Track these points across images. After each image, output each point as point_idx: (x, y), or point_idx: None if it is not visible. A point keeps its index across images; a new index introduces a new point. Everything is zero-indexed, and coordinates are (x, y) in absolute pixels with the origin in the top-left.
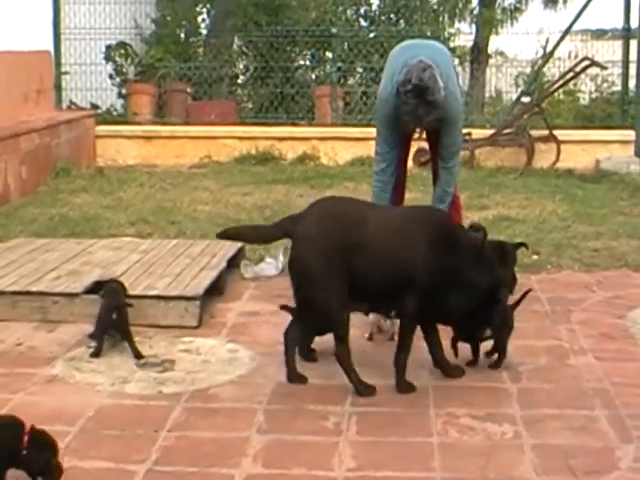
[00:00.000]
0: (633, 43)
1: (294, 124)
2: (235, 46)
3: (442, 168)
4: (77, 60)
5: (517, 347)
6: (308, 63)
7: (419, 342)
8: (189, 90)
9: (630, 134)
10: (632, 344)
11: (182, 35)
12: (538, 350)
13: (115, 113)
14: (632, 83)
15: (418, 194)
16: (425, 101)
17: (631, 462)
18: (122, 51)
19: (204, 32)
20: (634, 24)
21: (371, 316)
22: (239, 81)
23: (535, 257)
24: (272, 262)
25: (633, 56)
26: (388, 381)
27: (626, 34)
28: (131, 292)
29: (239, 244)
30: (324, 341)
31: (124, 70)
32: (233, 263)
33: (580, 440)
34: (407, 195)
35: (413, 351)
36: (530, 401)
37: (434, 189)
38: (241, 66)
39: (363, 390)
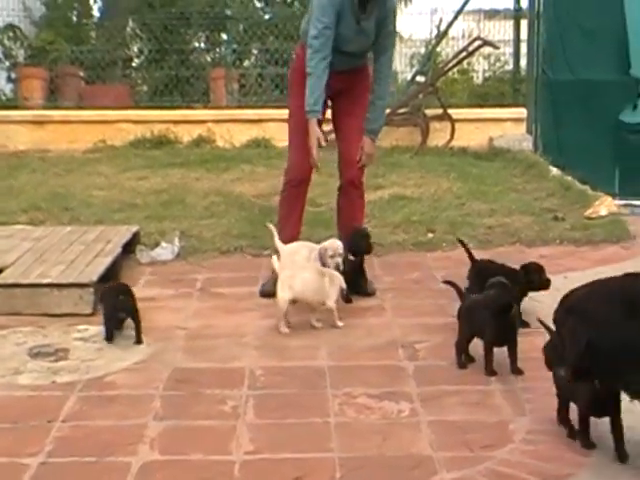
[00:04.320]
0: (524, 23)
1: (189, 107)
2: (129, 29)
3: (385, 60)
4: None
5: (413, 325)
6: (203, 45)
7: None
8: (82, 74)
9: (522, 112)
10: (527, 319)
11: (74, 17)
12: (434, 327)
13: (4, 98)
14: (523, 62)
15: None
16: None
17: (524, 435)
18: (11, 34)
19: (96, 14)
20: (524, 4)
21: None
22: (133, 64)
23: (430, 235)
24: (168, 247)
25: (524, 35)
26: (286, 363)
27: (517, 14)
28: (23, 281)
29: (134, 228)
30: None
31: (13, 54)
32: (128, 249)
33: (476, 415)
34: (315, 178)
35: (309, 334)
36: (426, 378)
37: (375, 90)
38: (135, 49)
39: None
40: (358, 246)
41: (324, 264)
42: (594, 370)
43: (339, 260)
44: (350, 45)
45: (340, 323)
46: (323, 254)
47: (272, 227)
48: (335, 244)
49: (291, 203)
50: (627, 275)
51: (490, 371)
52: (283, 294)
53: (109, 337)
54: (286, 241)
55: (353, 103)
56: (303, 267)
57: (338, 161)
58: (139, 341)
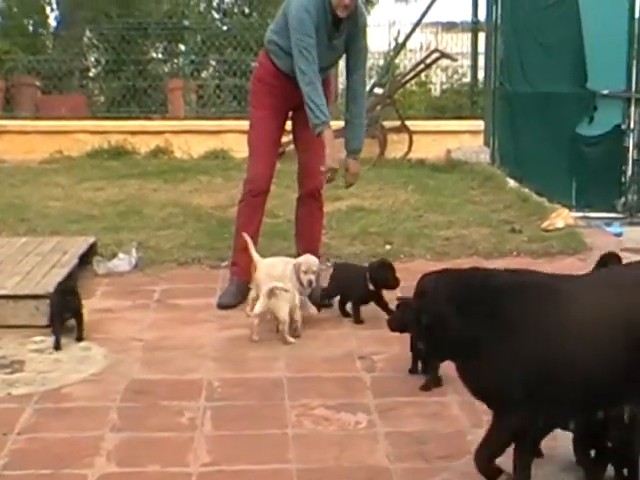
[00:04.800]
0: (482, 35)
1: (147, 118)
2: (86, 38)
3: (358, 78)
4: None
5: (371, 336)
6: (161, 56)
7: (271, 335)
8: (38, 84)
9: (480, 124)
10: None
11: (30, 27)
12: (391, 339)
13: None
14: (481, 74)
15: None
16: None
17: None
18: None
19: (53, 24)
20: (482, 17)
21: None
22: (90, 74)
23: (388, 247)
24: (125, 258)
25: (482, 48)
26: (243, 374)
27: (475, 27)
28: None
29: (90, 239)
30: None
31: None
32: (85, 260)
33: (432, 426)
34: (273, 189)
35: (268, 344)
36: (384, 390)
37: (351, 109)
38: (92, 59)
39: None
40: (381, 279)
41: (298, 279)
42: (436, 352)
43: (312, 277)
44: (320, 62)
45: (291, 339)
46: (297, 269)
47: (247, 237)
48: (310, 260)
49: (249, 213)
50: (475, 269)
51: (434, 382)
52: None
53: (57, 346)
54: (243, 251)
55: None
56: (264, 282)
57: (298, 172)
58: (80, 338)
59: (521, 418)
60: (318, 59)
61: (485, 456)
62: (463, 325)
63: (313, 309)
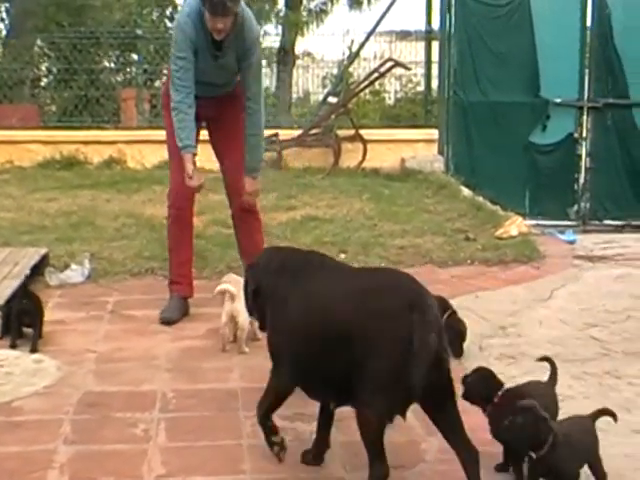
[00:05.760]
0: (435, 44)
1: (100, 127)
2: (37, 47)
3: (253, 95)
4: None
5: None
6: (113, 65)
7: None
8: None
9: (434, 133)
10: None
11: None
12: None
13: None
14: (435, 83)
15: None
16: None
17: (436, 454)
18: None
19: (3, 32)
20: (436, 26)
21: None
22: (42, 84)
23: (342, 256)
24: (78, 269)
25: (435, 57)
26: (198, 385)
27: (428, 36)
28: None
29: (42, 250)
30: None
31: None
32: (37, 271)
33: (387, 435)
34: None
35: (221, 356)
36: None
37: (247, 127)
38: (43, 68)
39: None
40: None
41: None
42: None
43: None
44: (211, 78)
45: (246, 349)
46: None
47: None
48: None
49: (178, 227)
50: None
51: None
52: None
53: (13, 344)
54: (179, 265)
55: (229, 131)
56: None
57: (225, 189)
58: (34, 349)
59: (282, 381)
60: (208, 76)
61: (261, 410)
62: (270, 292)
63: None
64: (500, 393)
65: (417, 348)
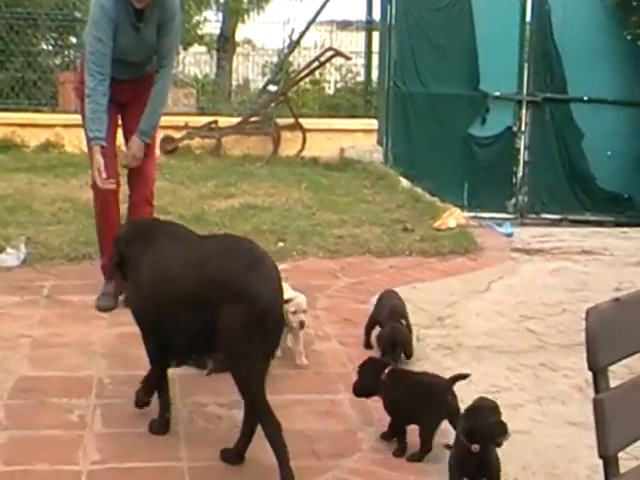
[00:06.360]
0: (376, 35)
1: (37, 110)
2: None
3: (162, 71)
4: None
5: None
6: (51, 48)
7: None
8: None
9: (373, 123)
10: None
11: None
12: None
13: None
14: (375, 74)
15: (164, 183)
16: None
17: (372, 443)
18: None
19: None
20: (377, 16)
21: None
22: None
23: (281, 244)
24: (13, 253)
25: (376, 47)
26: (134, 372)
27: (369, 26)
28: None
29: None
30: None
31: None
32: None
33: (324, 424)
34: (166, 185)
35: None
36: (275, 387)
37: (151, 92)
38: None
39: None
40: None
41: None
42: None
43: (302, 317)
44: (132, 56)
45: None
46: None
47: None
48: (298, 298)
49: (104, 216)
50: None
51: None
52: None
53: None
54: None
55: (142, 114)
56: None
57: (130, 176)
58: None
59: (150, 346)
60: (128, 54)
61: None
62: (127, 263)
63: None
64: (386, 371)
65: (252, 297)
